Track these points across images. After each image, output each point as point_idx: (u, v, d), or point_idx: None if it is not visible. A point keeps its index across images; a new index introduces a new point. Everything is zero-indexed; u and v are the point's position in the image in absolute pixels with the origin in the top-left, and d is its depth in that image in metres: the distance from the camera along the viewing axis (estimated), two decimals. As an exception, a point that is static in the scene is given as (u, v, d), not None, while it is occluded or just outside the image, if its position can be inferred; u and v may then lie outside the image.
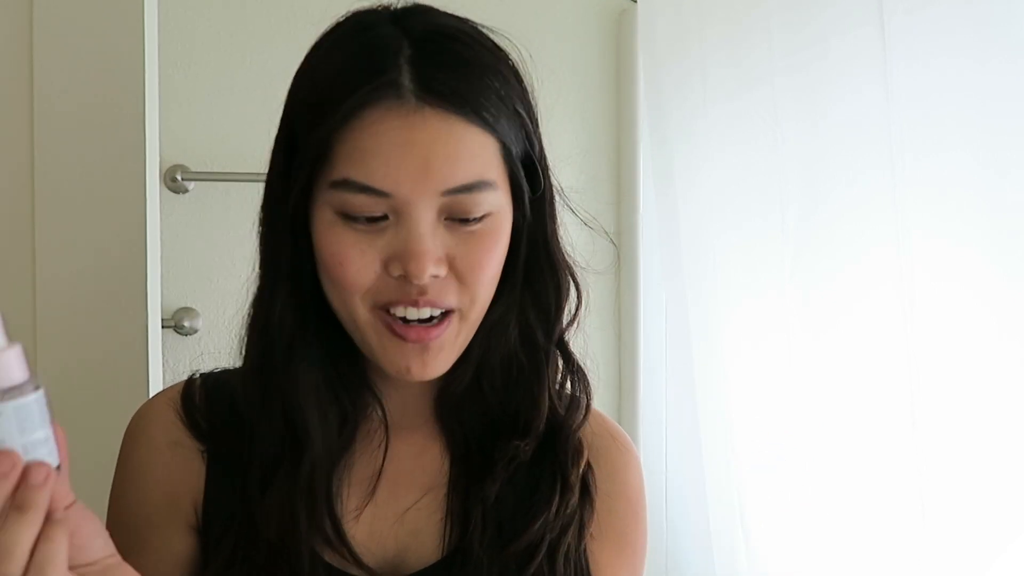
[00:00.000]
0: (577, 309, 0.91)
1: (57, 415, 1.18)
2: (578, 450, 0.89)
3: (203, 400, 0.89)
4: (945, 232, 1.28)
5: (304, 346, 0.83)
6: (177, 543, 0.86)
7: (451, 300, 0.79)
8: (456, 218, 0.78)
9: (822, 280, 1.44)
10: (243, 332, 0.88)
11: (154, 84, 1.12)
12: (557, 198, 0.89)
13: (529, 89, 0.86)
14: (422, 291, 0.77)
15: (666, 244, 1.70)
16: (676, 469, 1.73)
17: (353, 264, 0.78)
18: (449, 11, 0.86)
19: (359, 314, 0.80)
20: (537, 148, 0.85)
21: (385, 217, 0.77)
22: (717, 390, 1.60)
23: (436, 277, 0.77)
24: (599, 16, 1.79)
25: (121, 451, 0.89)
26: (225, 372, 0.92)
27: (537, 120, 0.86)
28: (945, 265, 1.28)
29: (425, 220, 0.77)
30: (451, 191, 0.76)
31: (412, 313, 0.78)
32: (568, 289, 0.90)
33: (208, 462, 0.87)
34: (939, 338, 1.28)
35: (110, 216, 1.09)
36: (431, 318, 0.79)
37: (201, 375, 0.92)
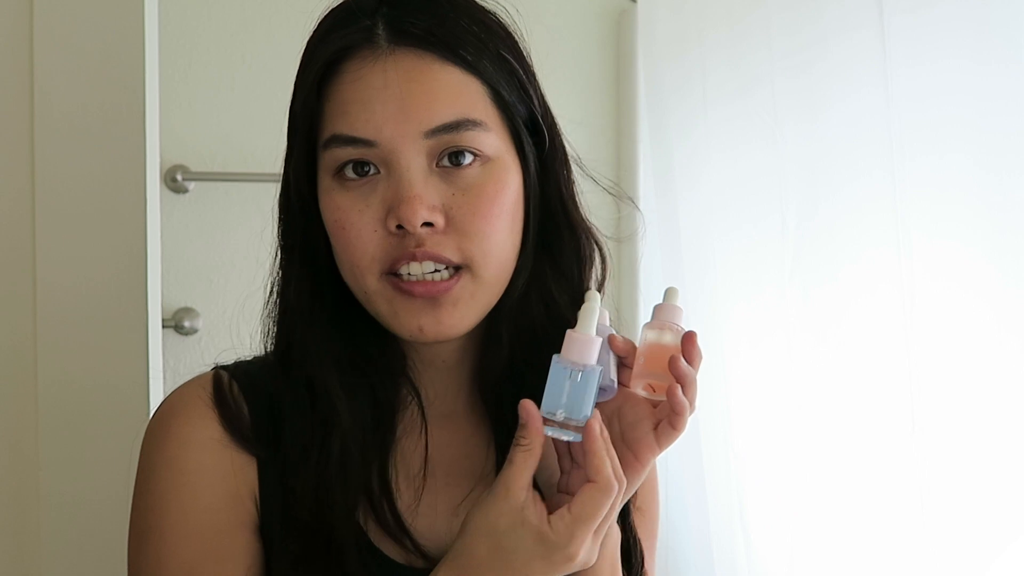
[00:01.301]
0: (603, 276, 0.87)
1: (57, 415, 1.18)
2: None
3: (239, 397, 0.84)
4: (945, 233, 1.28)
5: (321, 321, 0.83)
6: (253, 547, 0.82)
7: (451, 254, 0.77)
8: (449, 163, 0.77)
9: (822, 280, 1.44)
10: (271, 326, 0.87)
11: (154, 84, 1.12)
12: (574, 165, 0.87)
13: (520, 42, 0.85)
14: (419, 243, 0.76)
15: (666, 244, 1.70)
16: (676, 469, 1.73)
17: (353, 227, 0.77)
18: None
19: (369, 283, 0.79)
20: (537, 101, 0.84)
21: (376, 172, 0.77)
22: (717, 390, 1.60)
23: (432, 227, 0.76)
24: (599, 16, 1.79)
25: (161, 453, 0.82)
26: (249, 364, 0.88)
27: (533, 74, 0.84)
28: (945, 266, 1.28)
29: (414, 165, 0.76)
30: (434, 131, 0.76)
31: (415, 268, 0.77)
32: (591, 255, 0.86)
33: (257, 462, 0.83)
34: (939, 338, 1.28)
35: (110, 216, 1.09)
36: (437, 272, 0.77)
37: (226, 369, 0.87)
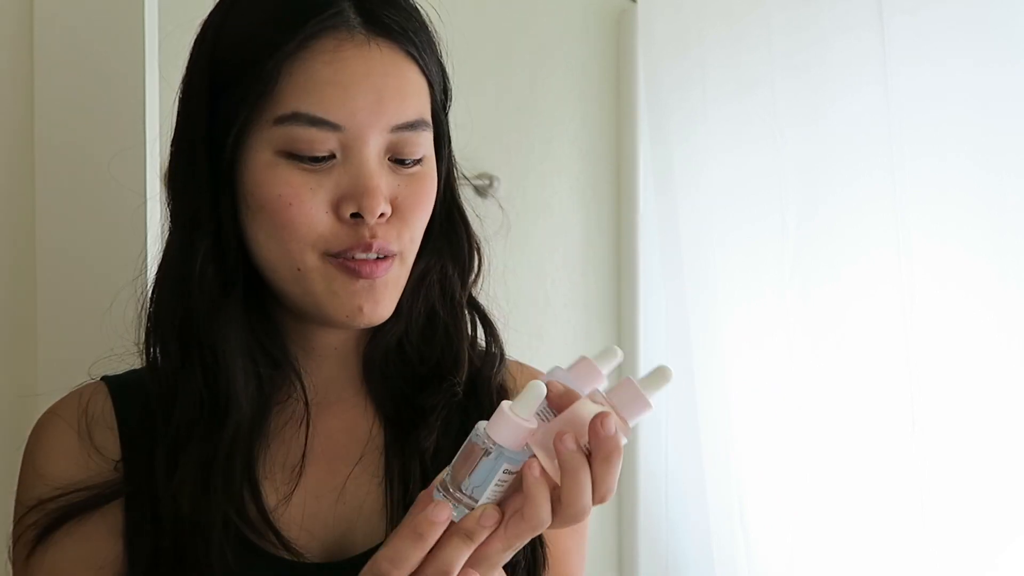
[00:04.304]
0: (479, 267, 0.90)
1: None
2: (500, 396, 0.88)
3: (112, 406, 0.84)
4: (944, 233, 1.28)
5: (229, 302, 0.80)
6: (111, 546, 0.80)
7: (394, 243, 0.79)
8: (397, 159, 0.78)
9: (822, 281, 1.44)
10: (150, 296, 0.84)
11: (154, 84, 1.12)
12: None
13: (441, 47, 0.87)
14: (373, 233, 0.77)
15: (666, 244, 1.70)
16: (676, 469, 1.73)
17: (304, 204, 0.76)
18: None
19: (308, 260, 0.77)
20: (449, 105, 0.86)
21: (331, 157, 0.76)
22: (717, 390, 1.60)
23: (383, 217, 0.77)
24: (599, 16, 1.79)
25: (31, 465, 0.83)
26: (131, 373, 0.87)
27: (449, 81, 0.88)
28: (944, 266, 1.28)
29: (374, 156, 0.77)
30: (399, 127, 0.77)
31: (361, 256, 0.77)
32: (476, 244, 0.90)
33: (126, 472, 0.81)
34: (939, 338, 1.29)
35: (111, 217, 1.09)
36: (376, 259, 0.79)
37: (104, 379, 0.86)
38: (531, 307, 1.67)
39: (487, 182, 1.57)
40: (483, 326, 0.91)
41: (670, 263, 1.68)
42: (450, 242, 0.88)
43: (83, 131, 1.08)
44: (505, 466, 0.68)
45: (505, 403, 0.68)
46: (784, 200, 1.48)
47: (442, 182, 0.85)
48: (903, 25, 1.31)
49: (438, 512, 0.68)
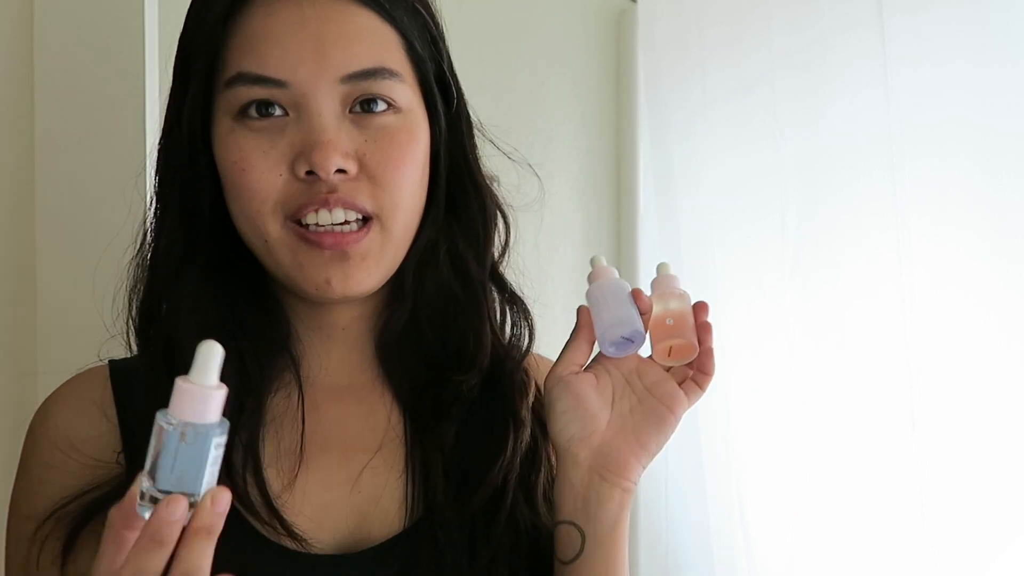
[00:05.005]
0: (507, 240, 0.84)
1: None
2: (523, 383, 0.83)
3: (112, 394, 0.80)
4: (944, 233, 1.28)
5: (190, 279, 0.77)
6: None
7: (365, 201, 0.73)
8: (362, 109, 0.74)
9: (822, 281, 1.44)
10: (136, 282, 0.81)
11: (154, 84, 1.12)
12: (476, 131, 0.84)
13: (432, 3, 0.81)
14: (332, 188, 0.72)
15: (666, 244, 1.70)
16: (676, 469, 1.73)
17: (256, 169, 0.72)
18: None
19: (270, 230, 0.73)
20: (446, 60, 0.81)
21: (284, 115, 0.73)
22: (717, 390, 1.60)
23: (345, 173, 0.72)
24: (599, 16, 1.79)
25: (26, 473, 0.79)
26: (136, 357, 0.83)
27: (443, 33, 0.81)
28: (944, 266, 1.28)
29: (327, 110, 0.72)
30: (350, 77, 0.73)
31: (324, 217, 0.72)
32: (495, 215, 0.83)
33: (127, 462, 0.77)
34: (939, 339, 1.29)
35: (111, 216, 1.09)
36: (346, 223, 0.73)
37: (110, 362, 0.83)
38: (531, 307, 1.67)
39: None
40: (510, 305, 0.86)
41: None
42: (459, 213, 0.82)
43: (83, 131, 1.08)
44: (215, 441, 0.59)
45: (179, 378, 0.59)
46: (784, 200, 1.48)
47: (443, 143, 0.80)
48: (903, 25, 1.31)
49: (173, 510, 0.58)
